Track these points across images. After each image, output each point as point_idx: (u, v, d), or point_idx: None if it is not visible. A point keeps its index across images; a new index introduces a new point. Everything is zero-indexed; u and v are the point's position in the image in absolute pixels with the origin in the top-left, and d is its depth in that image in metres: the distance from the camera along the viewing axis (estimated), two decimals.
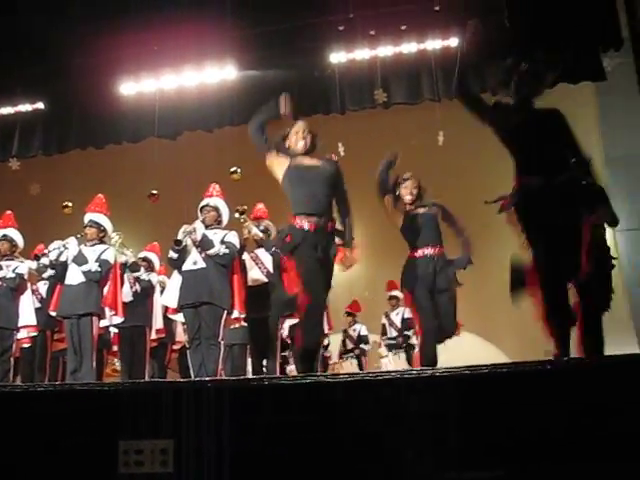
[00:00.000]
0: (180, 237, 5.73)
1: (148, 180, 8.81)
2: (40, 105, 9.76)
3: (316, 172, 4.40)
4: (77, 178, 10.38)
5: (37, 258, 6.61)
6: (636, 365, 3.14)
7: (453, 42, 8.42)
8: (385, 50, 8.63)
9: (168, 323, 7.12)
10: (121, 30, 8.23)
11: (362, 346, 9.37)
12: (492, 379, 3.11)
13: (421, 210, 5.31)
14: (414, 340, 8.71)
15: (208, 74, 8.72)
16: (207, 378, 4.95)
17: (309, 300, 4.27)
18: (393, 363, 8.61)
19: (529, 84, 3.99)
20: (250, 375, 6.71)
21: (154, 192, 8.21)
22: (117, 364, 7.96)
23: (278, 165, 4.47)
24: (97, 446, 3.31)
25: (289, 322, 6.52)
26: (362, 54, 8.69)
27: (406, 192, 5.34)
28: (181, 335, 7.47)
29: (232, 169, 7.88)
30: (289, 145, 4.52)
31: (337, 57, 8.72)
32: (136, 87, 8.93)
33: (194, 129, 9.12)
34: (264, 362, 6.47)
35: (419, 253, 5.19)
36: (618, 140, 8.03)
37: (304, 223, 4.26)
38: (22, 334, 6.54)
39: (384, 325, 9.23)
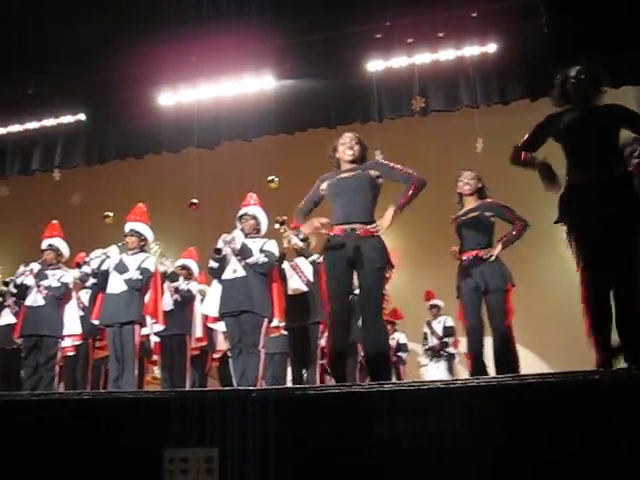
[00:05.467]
0: (220, 245, 5.74)
1: (188, 189, 8.87)
2: (81, 116, 9.94)
3: (352, 181, 4.38)
4: (117, 188, 10.51)
5: (79, 266, 6.68)
6: None
7: (491, 48, 8.38)
8: (422, 57, 8.62)
9: (209, 332, 7.14)
10: (160, 41, 8.32)
11: (400, 354, 9.30)
12: (539, 389, 3.05)
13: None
14: (452, 349, 8.69)
15: (246, 84, 8.78)
16: (251, 387, 4.95)
17: (330, 307, 4.31)
18: (433, 372, 8.53)
19: (585, 89, 3.92)
20: (289, 384, 6.71)
21: (194, 201, 8.26)
22: (157, 372, 8.01)
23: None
24: (142, 454, 3.32)
25: None
26: (399, 62, 8.68)
27: (463, 184, 5.30)
28: (222, 344, 7.49)
29: (269, 178, 7.92)
30: (338, 157, 4.51)
31: (374, 65, 8.73)
32: (175, 98, 9.03)
33: (233, 139, 9.18)
34: (304, 371, 6.45)
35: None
36: None
37: (334, 231, 4.31)
38: (67, 342, 6.63)
39: (425, 334, 9.19)
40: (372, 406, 3.20)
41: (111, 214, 8.21)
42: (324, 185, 4.49)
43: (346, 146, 4.47)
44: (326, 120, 8.90)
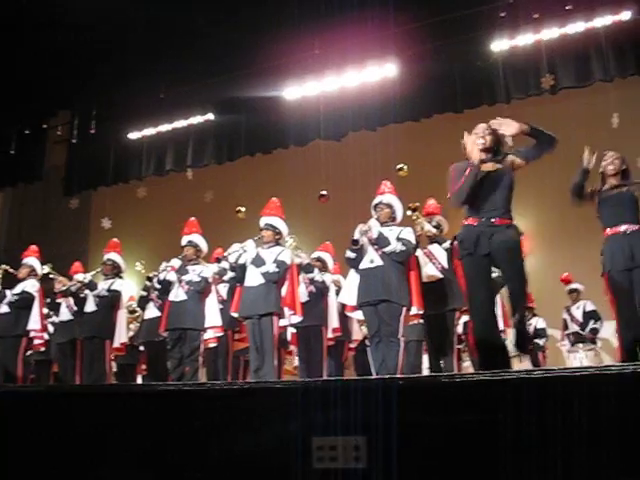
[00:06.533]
0: (357, 236, 5.75)
1: (316, 182, 8.97)
2: (210, 116, 10.28)
3: (487, 179, 4.27)
4: (247, 183, 10.80)
5: (218, 261, 6.88)
6: None
7: (624, 16, 7.98)
8: (550, 33, 8.33)
9: (344, 321, 7.19)
10: (284, 37, 8.47)
11: (537, 341, 8.97)
12: None
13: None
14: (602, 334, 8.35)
15: (369, 73, 8.79)
16: (398, 375, 4.96)
17: (468, 297, 4.27)
18: (577, 359, 8.22)
19: None
20: (425, 372, 6.67)
21: (324, 193, 8.31)
22: (294, 363, 8.16)
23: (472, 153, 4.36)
24: (291, 442, 3.38)
25: (465, 318, 6.42)
26: (525, 39, 8.45)
27: (607, 163, 5.10)
28: (357, 333, 7.54)
29: (398, 166, 7.85)
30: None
31: (499, 45, 8.52)
32: (300, 91, 9.16)
33: (358, 129, 9.22)
34: (441, 359, 6.38)
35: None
36: None
37: (467, 221, 4.26)
38: (209, 334, 6.85)
39: (565, 320, 8.88)
40: (519, 394, 3.11)
41: (243, 209, 8.40)
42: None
43: (478, 136, 4.37)
44: (452, 105, 8.78)
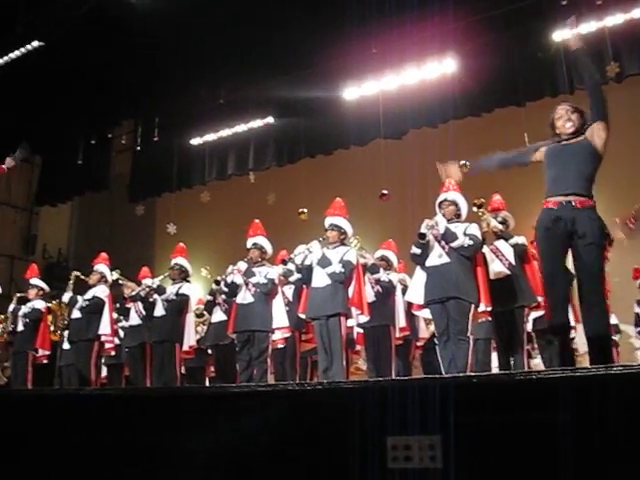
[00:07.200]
0: (423, 231, 5.69)
1: (377, 181, 8.94)
2: (270, 119, 10.38)
3: (571, 148, 4.12)
4: (309, 185, 10.82)
5: (284, 263, 6.91)
6: None
7: None
8: (614, 19, 8.12)
9: (411, 319, 7.15)
10: (341, 38, 8.47)
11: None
12: None
13: None
14: None
15: (428, 70, 8.72)
16: (471, 373, 4.90)
17: (544, 285, 4.16)
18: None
19: None
20: (494, 370, 6.57)
21: (385, 192, 8.31)
22: (360, 363, 8.14)
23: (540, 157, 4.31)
24: (366, 441, 3.37)
25: (534, 314, 6.31)
26: (588, 27, 8.24)
27: None
28: (424, 331, 7.49)
29: (461, 162, 7.77)
30: (559, 132, 4.28)
31: (561, 34, 8.33)
32: (359, 91, 9.16)
33: (419, 126, 9.15)
34: (511, 357, 6.28)
35: None
36: None
37: (548, 204, 4.10)
38: (277, 335, 6.90)
39: (637, 314, 8.63)
40: (602, 390, 3.03)
41: (306, 210, 8.45)
42: (542, 150, 4.29)
43: (564, 119, 4.23)
44: (513, 98, 8.64)
